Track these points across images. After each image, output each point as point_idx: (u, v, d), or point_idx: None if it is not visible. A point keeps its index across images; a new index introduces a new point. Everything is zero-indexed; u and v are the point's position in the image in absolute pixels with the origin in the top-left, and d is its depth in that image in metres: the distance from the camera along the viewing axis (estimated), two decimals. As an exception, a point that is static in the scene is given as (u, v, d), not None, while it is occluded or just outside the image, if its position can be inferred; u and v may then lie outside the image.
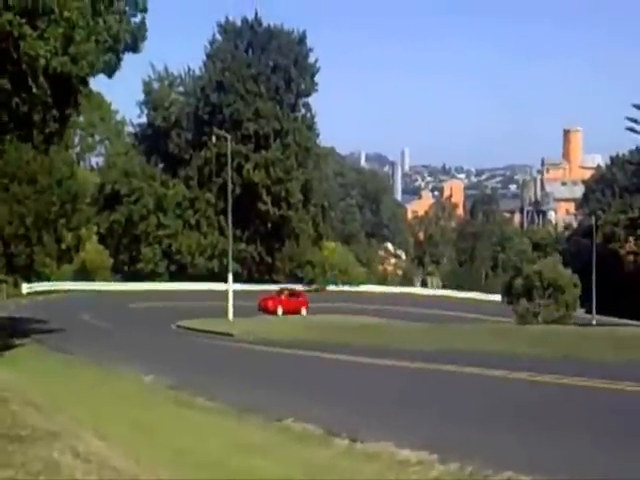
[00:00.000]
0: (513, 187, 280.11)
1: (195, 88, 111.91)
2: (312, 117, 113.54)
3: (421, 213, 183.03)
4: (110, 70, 32.85)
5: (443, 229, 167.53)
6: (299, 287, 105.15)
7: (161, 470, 8.62)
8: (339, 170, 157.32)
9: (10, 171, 64.70)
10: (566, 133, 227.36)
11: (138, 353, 27.96)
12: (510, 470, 8.67)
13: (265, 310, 67.50)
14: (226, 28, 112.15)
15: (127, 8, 33.14)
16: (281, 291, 74.46)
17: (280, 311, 67.83)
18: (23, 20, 27.44)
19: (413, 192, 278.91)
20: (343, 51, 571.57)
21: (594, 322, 76.46)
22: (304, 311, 69.73)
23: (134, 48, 33.34)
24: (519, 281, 69.94)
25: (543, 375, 18.85)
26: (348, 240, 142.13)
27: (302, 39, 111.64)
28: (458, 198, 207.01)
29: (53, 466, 7.84)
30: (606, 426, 12.35)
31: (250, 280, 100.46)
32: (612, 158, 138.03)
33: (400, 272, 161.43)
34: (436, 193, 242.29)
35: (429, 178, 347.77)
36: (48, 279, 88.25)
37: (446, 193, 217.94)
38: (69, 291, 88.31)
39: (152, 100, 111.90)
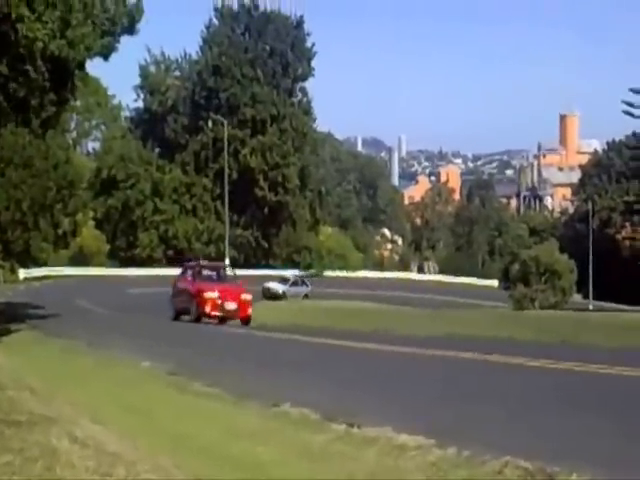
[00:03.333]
0: (510, 172, 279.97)
1: (191, 72, 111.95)
2: (309, 102, 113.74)
3: (418, 198, 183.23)
4: (107, 53, 32.79)
5: (440, 214, 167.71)
6: (296, 272, 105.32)
7: (159, 455, 8.62)
8: (336, 155, 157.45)
9: (6, 156, 64.56)
10: (562, 118, 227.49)
11: (135, 338, 27.94)
12: (508, 454, 8.66)
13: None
14: (223, 12, 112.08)
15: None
16: None
17: None
18: (21, 1, 27.38)
19: (410, 177, 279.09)
20: (339, 35, 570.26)
21: (590, 307, 76.66)
22: None
23: (131, 30, 33.23)
24: (516, 266, 70.19)
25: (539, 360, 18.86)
26: (345, 225, 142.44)
27: (299, 23, 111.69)
28: (455, 183, 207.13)
29: (50, 451, 7.84)
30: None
31: (247, 265, 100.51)
32: (609, 143, 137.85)
33: (397, 257, 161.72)
34: (433, 178, 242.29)
35: (426, 163, 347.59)
36: (45, 265, 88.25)
37: (443, 178, 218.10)
38: (66, 276, 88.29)
39: (148, 84, 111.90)
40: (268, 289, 73.78)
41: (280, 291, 73.90)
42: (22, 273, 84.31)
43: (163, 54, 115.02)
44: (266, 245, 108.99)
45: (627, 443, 9.47)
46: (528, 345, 24.92)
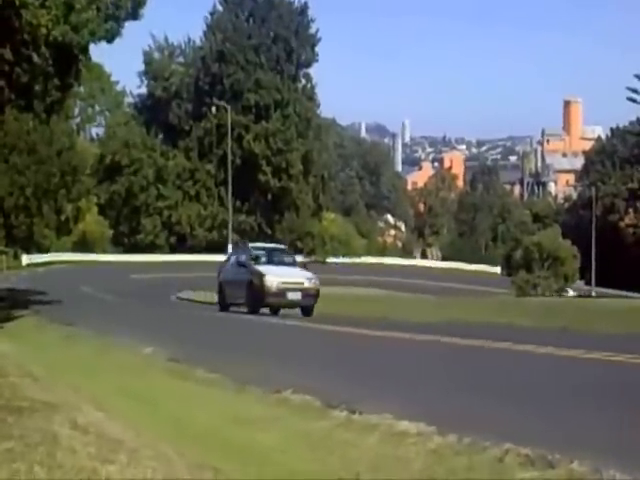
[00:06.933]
0: (513, 158, 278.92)
1: (195, 58, 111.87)
2: (312, 88, 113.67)
3: (421, 184, 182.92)
4: (110, 37, 32.70)
5: (443, 200, 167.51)
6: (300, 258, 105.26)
7: (161, 441, 8.64)
8: (339, 141, 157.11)
9: (10, 142, 64.66)
10: (566, 104, 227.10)
11: (138, 325, 27.97)
12: (509, 441, 8.67)
13: None
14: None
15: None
16: None
17: None
18: (25, -12, 27.34)
19: (413, 163, 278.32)
20: (344, 21, 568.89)
21: (593, 294, 76.64)
22: None
23: (135, 15, 33.13)
24: (518, 253, 70.08)
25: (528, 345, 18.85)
26: (348, 211, 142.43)
27: (303, 10, 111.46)
28: (458, 169, 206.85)
29: (52, 438, 7.86)
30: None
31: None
32: (612, 129, 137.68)
33: (400, 243, 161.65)
34: (436, 164, 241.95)
35: (429, 149, 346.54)
36: (48, 250, 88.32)
37: (446, 164, 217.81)
38: (69, 262, 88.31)
39: (152, 70, 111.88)
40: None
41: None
42: (25, 259, 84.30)
43: (167, 40, 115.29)
44: (269, 231, 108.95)
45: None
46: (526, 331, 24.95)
